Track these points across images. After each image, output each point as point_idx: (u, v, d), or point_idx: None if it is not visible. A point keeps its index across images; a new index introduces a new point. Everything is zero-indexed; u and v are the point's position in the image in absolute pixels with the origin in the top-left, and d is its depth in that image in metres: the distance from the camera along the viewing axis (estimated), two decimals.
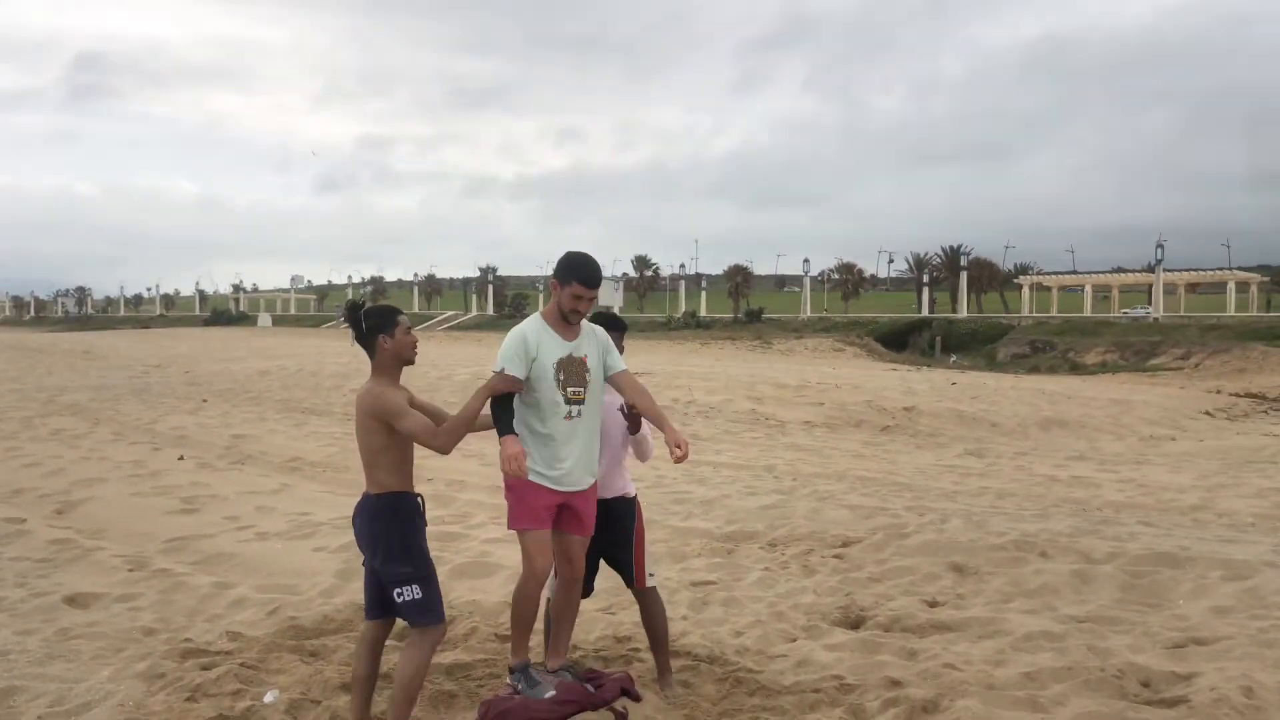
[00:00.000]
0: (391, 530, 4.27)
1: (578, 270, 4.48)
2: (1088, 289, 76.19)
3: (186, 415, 18.34)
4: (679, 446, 4.43)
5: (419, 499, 4.40)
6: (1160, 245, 61.94)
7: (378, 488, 4.30)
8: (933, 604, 6.35)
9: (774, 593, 6.73)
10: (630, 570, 4.99)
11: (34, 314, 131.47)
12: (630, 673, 4.96)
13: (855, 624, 6.08)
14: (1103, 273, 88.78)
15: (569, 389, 4.50)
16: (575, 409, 4.52)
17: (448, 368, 27.13)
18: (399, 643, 4.81)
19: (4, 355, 40.22)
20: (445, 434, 4.27)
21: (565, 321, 4.55)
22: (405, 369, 4.40)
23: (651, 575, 5.06)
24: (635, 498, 5.04)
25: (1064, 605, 6.19)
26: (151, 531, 8.99)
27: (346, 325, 4.34)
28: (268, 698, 4.91)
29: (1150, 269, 67.40)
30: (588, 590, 5.11)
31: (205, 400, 21.11)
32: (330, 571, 7.49)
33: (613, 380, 4.69)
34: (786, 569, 7.30)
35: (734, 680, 5.07)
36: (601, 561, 5.04)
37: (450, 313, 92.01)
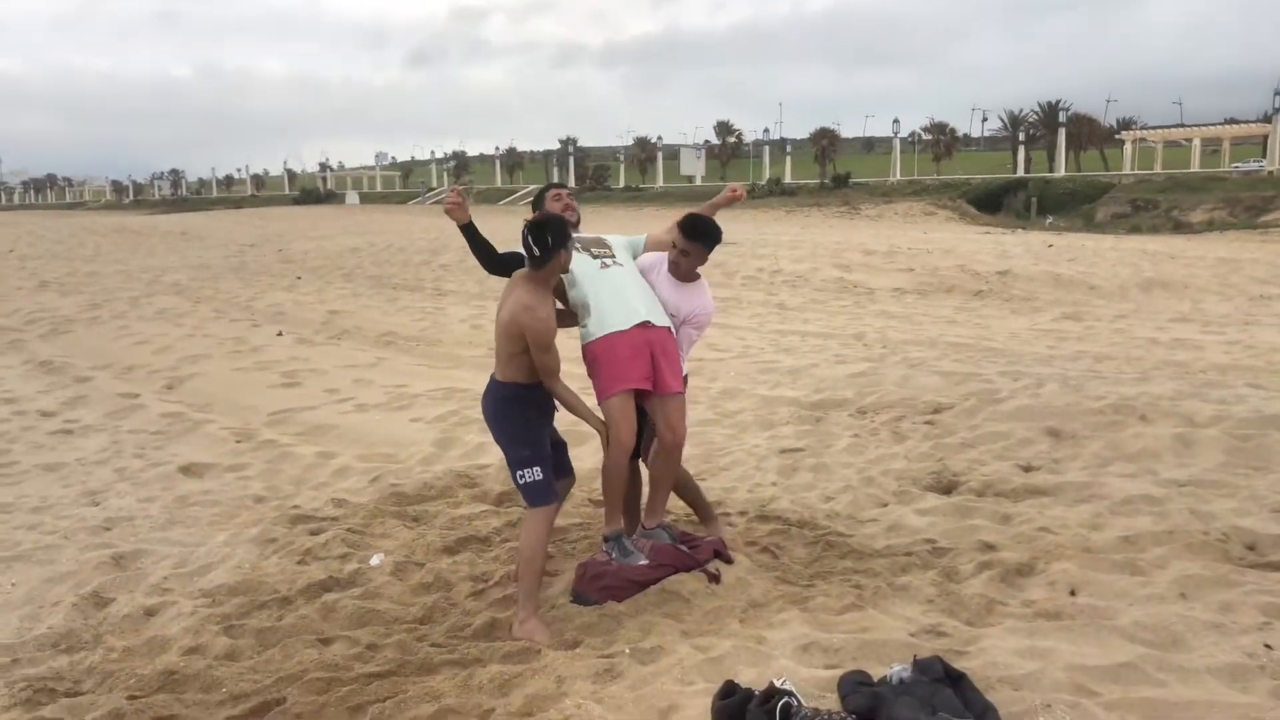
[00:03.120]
0: (515, 417, 4.47)
1: (545, 187, 5.04)
2: (1196, 143, 72.08)
3: (283, 292, 18.82)
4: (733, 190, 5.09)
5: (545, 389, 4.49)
6: (1278, 92, 58.05)
7: (505, 377, 4.46)
8: (1027, 469, 6.27)
9: (864, 459, 6.72)
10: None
11: (133, 197, 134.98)
12: (722, 536, 5.03)
13: (947, 489, 6.05)
14: (1213, 125, 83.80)
15: (593, 251, 4.76)
16: (609, 262, 4.74)
17: None
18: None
19: (109, 238, 41.60)
20: (561, 389, 4.45)
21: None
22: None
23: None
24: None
25: (1164, 469, 6.05)
26: (255, 405, 9.35)
27: (531, 246, 4.30)
28: (374, 560, 5.13)
29: (1266, 119, 63.39)
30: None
31: (300, 277, 21.61)
32: (428, 441, 7.71)
33: (649, 243, 4.99)
34: (876, 436, 7.26)
35: (825, 544, 5.11)
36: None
37: (532, 186, 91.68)
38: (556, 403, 4.59)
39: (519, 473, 4.45)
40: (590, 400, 4.62)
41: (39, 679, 3.96)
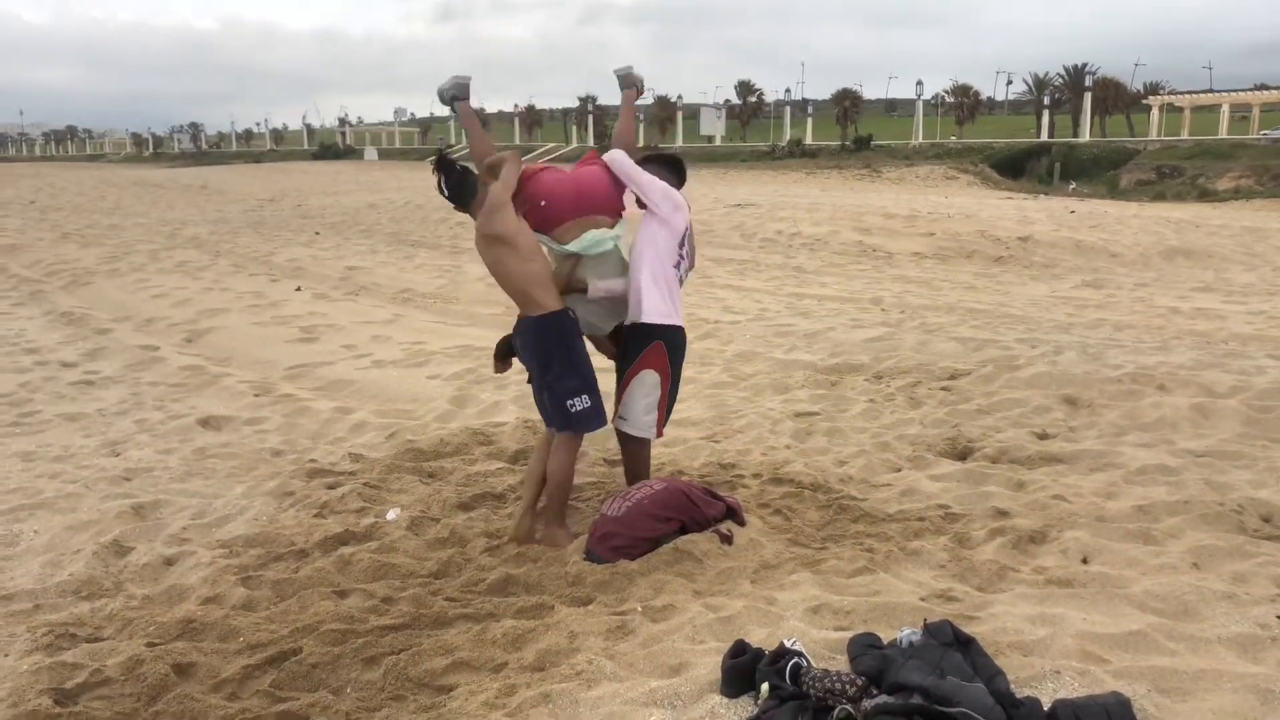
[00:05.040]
0: (559, 348, 4.63)
1: None
2: (1224, 109, 70.86)
3: (301, 248, 18.86)
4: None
5: (573, 314, 4.70)
6: None
7: (538, 309, 4.59)
8: (1043, 436, 6.25)
9: (879, 424, 6.72)
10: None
11: (152, 150, 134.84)
12: (737, 498, 5.04)
13: (962, 455, 6.05)
14: (1243, 90, 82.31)
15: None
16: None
17: None
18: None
19: (129, 191, 41.69)
20: (505, 177, 4.61)
21: None
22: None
23: (622, 419, 4.91)
24: (655, 327, 4.78)
25: (1182, 439, 6.03)
26: (274, 359, 9.40)
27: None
28: (390, 515, 5.18)
29: None
30: None
31: (318, 233, 21.63)
32: (444, 398, 7.74)
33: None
34: (892, 401, 7.25)
35: (838, 507, 5.12)
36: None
37: (551, 144, 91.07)
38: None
39: (569, 402, 4.62)
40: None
41: (60, 624, 4.03)
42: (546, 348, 4.64)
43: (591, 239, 4.75)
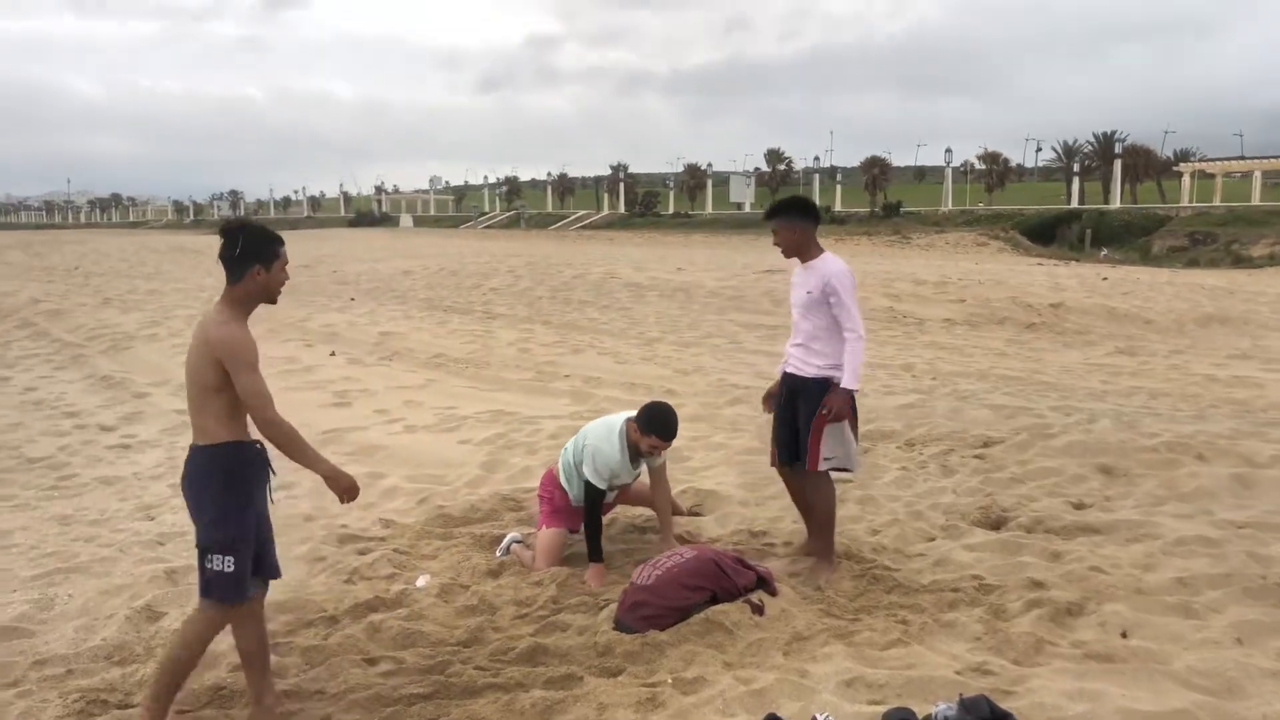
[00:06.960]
0: (226, 489, 3.65)
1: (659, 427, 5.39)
2: (1257, 175, 70.60)
3: (336, 313, 19.09)
4: None
5: (259, 446, 3.78)
6: None
7: (207, 438, 3.63)
8: (1079, 506, 6.17)
9: (912, 492, 6.66)
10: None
11: (193, 217, 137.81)
12: (768, 567, 5.00)
13: (996, 525, 5.97)
14: (1275, 157, 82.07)
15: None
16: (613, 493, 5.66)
17: (582, 267, 27.36)
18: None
19: (169, 257, 42.52)
20: (278, 421, 3.67)
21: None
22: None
23: (828, 459, 5.18)
24: (828, 380, 5.12)
25: (1222, 510, 5.92)
26: (306, 423, 9.42)
27: (220, 241, 3.85)
28: (420, 582, 5.17)
29: None
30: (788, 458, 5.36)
31: (353, 299, 21.90)
32: (475, 463, 7.76)
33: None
34: (925, 469, 7.19)
35: (871, 577, 5.06)
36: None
37: (582, 211, 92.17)
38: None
39: (208, 558, 3.61)
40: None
41: (92, 690, 4.04)
42: (213, 486, 3.63)
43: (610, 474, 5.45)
